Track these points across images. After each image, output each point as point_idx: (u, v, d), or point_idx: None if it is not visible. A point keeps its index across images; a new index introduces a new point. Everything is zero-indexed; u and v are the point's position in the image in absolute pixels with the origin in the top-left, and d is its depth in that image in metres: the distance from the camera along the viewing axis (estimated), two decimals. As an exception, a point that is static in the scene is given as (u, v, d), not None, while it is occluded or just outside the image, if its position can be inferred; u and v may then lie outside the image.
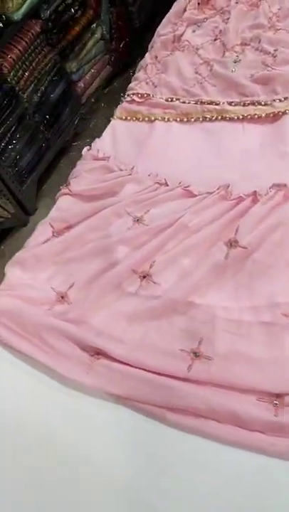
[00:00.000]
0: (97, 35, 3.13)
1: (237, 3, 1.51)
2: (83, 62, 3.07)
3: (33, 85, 2.29)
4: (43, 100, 2.27)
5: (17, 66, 2.07)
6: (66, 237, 1.18)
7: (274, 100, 1.24)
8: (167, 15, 1.56)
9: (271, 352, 0.90)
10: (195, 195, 1.14)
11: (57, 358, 1.01)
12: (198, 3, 1.54)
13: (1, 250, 2.05)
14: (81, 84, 3.11)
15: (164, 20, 1.55)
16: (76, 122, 2.77)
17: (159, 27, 1.55)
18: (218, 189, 1.12)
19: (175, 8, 1.56)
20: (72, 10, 2.76)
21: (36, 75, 2.29)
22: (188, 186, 1.16)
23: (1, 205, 1.98)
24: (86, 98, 3.05)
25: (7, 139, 1.89)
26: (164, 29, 1.53)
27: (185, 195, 1.15)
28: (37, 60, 2.35)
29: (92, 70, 3.18)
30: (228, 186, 1.11)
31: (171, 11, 1.57)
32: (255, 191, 1.06)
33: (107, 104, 3.14)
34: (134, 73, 2.99)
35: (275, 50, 1.32)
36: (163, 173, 1.22)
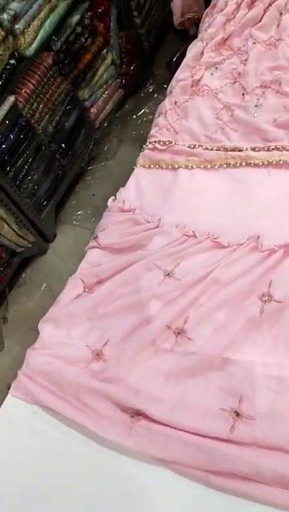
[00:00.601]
0: (108, 61, 3.17)
1: (254, 43, 1.52)
2: (95, 89, 3.11)
3: (47, 116, 2.32)
4: (57, 129, 2.31)
5: (31, 99, 2.10)
6: (98, 292, 1.18)
7: (300, 145, 1.23)
8: (185, 59, 1.58)
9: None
10: (225, 247, 1.14)
11: (96, 419, 1.01)
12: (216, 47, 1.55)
13: (23, 279, 2.08)
14: (94, 109, 3.14)
15: (182, 65, 1.57)
16: (90, 147, 2.80)
17: (178, 72, 1.57)
18: (248, 240, 1.12)
19: (192, 52, 1.57)
20: (83, 39, 2.81)
21: (50, 106, 2.32)
22: (216, 237, 1.16)
23: (21, 236, 2.00)
24: (99, 123, 3.08)
25: (24, 171, 1.92)
26: (183, 74, 1.54)
27: (214, 246, 1.15)
28: (50, 91, 2.38)
29: (104, 95, 3.22)
30: (258, 237, 1.11)
31: (188, 55, 1.58)
32: (287, 244, 1.06)
33: (120, 127, 3.17)
34: (144, 94, 3.00)
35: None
36: (190, 224, 1.22)
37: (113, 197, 1.38)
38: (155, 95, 2.54)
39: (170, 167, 1.36)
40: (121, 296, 1.15)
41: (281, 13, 1.54)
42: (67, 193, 2.38)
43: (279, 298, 1.00)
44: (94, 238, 1.29)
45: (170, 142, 1.41)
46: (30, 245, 2.03)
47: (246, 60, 1.49)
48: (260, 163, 1.26)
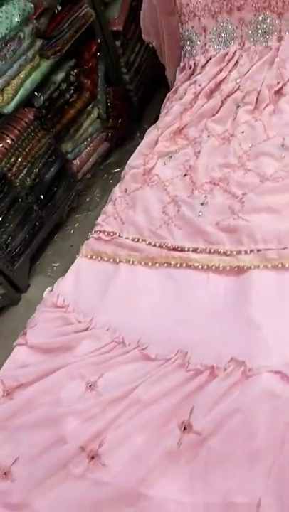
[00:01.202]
0: (94, 115, 3.16)
1: (209, 136, 1.50)
2: (79, 142, 3.08)
3: (26, 169, 2.29)
4: (37, 182, 2.27)
5: (9, 154, 2.07)
6: (17, 398, 1.11)
7: (239, 252, 1.19)
8: (139, 146, 1.56)
9: None
10: (152, 360, 1.08)
11: None
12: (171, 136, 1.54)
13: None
14: (77, 161, 3.11)
15: (135, 152, 1.55)
16: (72, 198, 2.77)
17: (131, 158, 1.54)
18: (176, 355, 1.06)
19: (147, 139, 1.56)
20: (68, 95, 2.79)
21: (30, 159, 2.29)
22: (145, 348, 1.10)
23: (-9, 287, 1.94)
24: (82, 174, 3.05)
25: (-2, 223, 1.88)
26: (135, 161, 1.52)
27: (142, 358, 1.09)
28: (31, 145, 2.35)
29: (89, 148, 3.19)
30: (187, 353, 1.05)
31: (142, 142, 1.56)
32: (212, 366, 1.00)
33: (104, 178, 3.14)
34: (131, 147, 2.98)
35: (243, 194, 1.29)
36: (122, 327, 1.16)
37: (50, 288, 1.32)
38: (143, 149, 2.54)
39: (112, 260, 1.32)
40: (40, 407, 1.07)
41: (238, 107, 1.53)
42: (45, 243, 2.35)
43: (198, 429, 0.93)
44: (23, 334, 1.22)
45: (114, 233, 1.37)
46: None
47: (200, 152, 1.47)
48: (200, 267, 1.22)
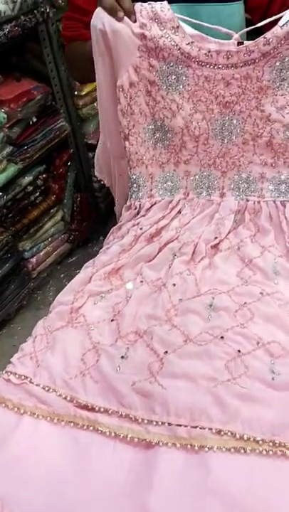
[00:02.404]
0: (57, 217, 3.14)
1: (142, 281, 1.47)
2: (39, 241, 3.02)
3: None
4: None
5: None
6: None
7: (151, 422, 1.11)
8: (71, 282, 1.51)
9: None
10: None
11: None
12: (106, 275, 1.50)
13: None
14: (34, 260, 3.02)
15: (66, 288, 1.49)
16: (23, 296, 2.68)
17: (60, 293, 1.48)
18: None
19: (81, 275, 1.51)
20: (32, 197, 2.78)
21: None
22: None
23: None
24: (37, 273, 2.97)
25: None
26: (65, 297, 1.46)
27: None
28: None
29: (48, 248, 3.15)
30: None
31: (76, 277, 1.52)
32: None
33: (61, 278, 3.07)
34: (94, 249, 2.92)
35: (164, 353, 1.23)
36: (10, 498, 1.02)
37: None
38: (106, 251, 2.53)
39: (16, 410, 1.20)
40: None
41: (174, 256, 1.53)
42: (-11, 339, 2.24)
43: None
44: None
45: (26, 377, 1.26)
46: None
47: (130, 297, 1.43)
48: (108, 433, 1.12)
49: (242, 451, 1.03)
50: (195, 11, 1.65)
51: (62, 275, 2.98)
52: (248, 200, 1.60)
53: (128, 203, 1.71)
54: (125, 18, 1.44)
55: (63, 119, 2.75)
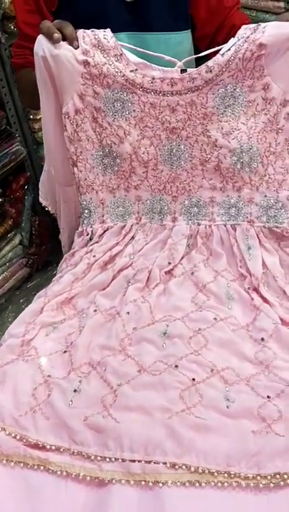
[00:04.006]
0: (15, 242, 3.09)
1: (96, 310, 1.44)
2: None
3: None
4: None
5: None
6: None
7: (104, 458, 1.07)
8: (22, 313, 1.46)
9: None
10: None
11: None
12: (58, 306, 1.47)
13: None
14: None
15: (17, 319, 1.45)
16: None
17: (11, 326, 1.44)
18: None
19: (32, 306, 1.47)
20: None
21: None
22: None
23: None
24: None
25: None
26: (16, 329, 1.41)
27: None
28: None
29: (6, 273, 3.07)
30: None
31: (27, 309, 1.48)
32: None
33: (21, 303, 2.99)
34: (53, 273, 2.86)
35: (118, 385, 1.20)
36: None
37: None
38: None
39: None
40: None
41: (129, 283, 1.51)
42: None
43: None
44: None
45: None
46: None
47: (84, 327, 1.40)
48: (59, 472, 1.08)
49: (197, 484, 1.01)
50: (143, 40, 1.67)
51: (21, 300, 2.91)
52: (199, 225, 1.60)
53: (80, 229, 1.69)
54: (66, 43, 1.44)
55: (19, 143, 2.73)
